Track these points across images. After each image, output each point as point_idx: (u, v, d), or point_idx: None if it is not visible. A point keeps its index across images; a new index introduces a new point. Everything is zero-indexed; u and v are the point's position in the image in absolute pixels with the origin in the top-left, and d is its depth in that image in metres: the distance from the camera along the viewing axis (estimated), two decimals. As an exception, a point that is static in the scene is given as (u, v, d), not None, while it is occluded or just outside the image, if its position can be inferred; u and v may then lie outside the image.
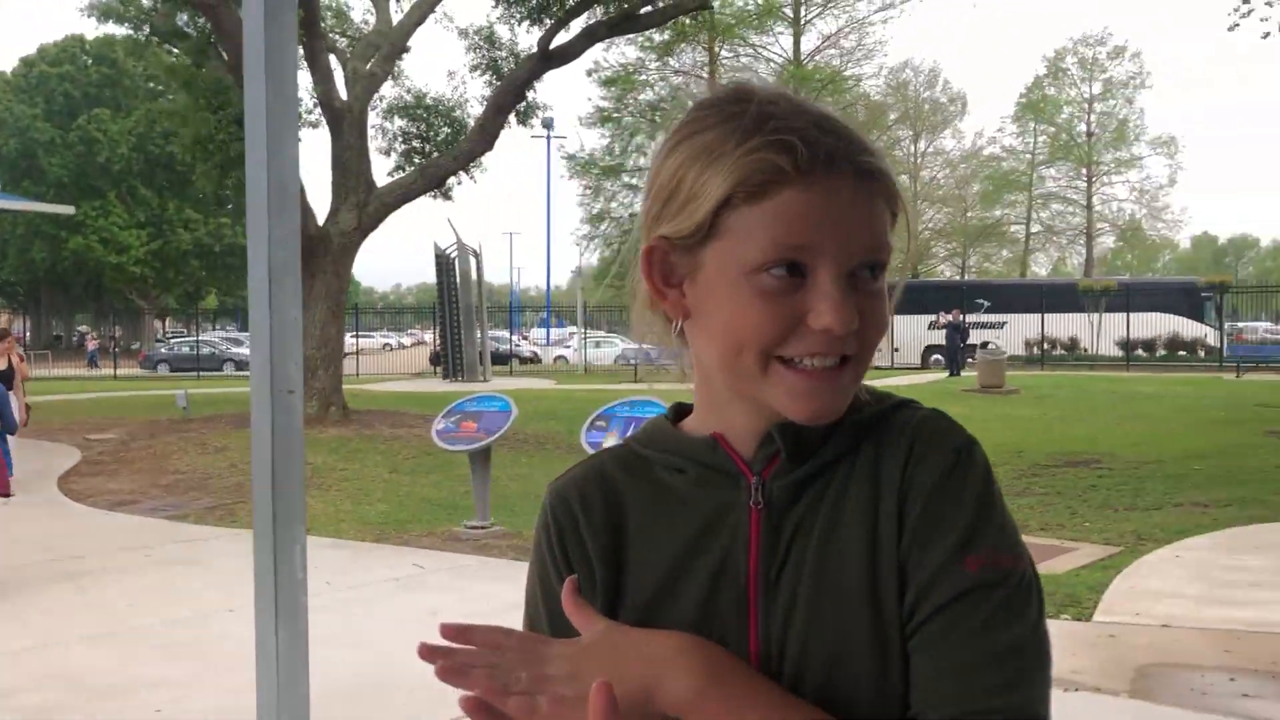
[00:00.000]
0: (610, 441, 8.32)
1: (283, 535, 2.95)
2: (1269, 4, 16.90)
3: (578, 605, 0.94)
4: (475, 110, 17.65)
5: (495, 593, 6.95)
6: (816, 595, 0.88)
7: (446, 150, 17.49)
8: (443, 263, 27.19)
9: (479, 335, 27.95)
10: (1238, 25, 17.87)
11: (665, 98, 31.57)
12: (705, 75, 32.51)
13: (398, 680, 4.90)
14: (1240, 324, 39.62)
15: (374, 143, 17.53)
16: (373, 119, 17.46)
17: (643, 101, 31.56)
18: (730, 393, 0.93)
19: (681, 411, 1.03)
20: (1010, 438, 15.74)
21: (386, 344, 57.15)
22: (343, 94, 16.43)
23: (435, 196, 17.49)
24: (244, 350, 47.38)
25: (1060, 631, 5.92)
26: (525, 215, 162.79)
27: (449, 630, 0.93)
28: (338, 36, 18.17)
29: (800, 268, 0.85)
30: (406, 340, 59.41)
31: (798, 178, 0.84)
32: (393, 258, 61.30)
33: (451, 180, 17.42)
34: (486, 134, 16.63)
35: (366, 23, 18.80)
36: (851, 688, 0.86)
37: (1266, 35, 17.48)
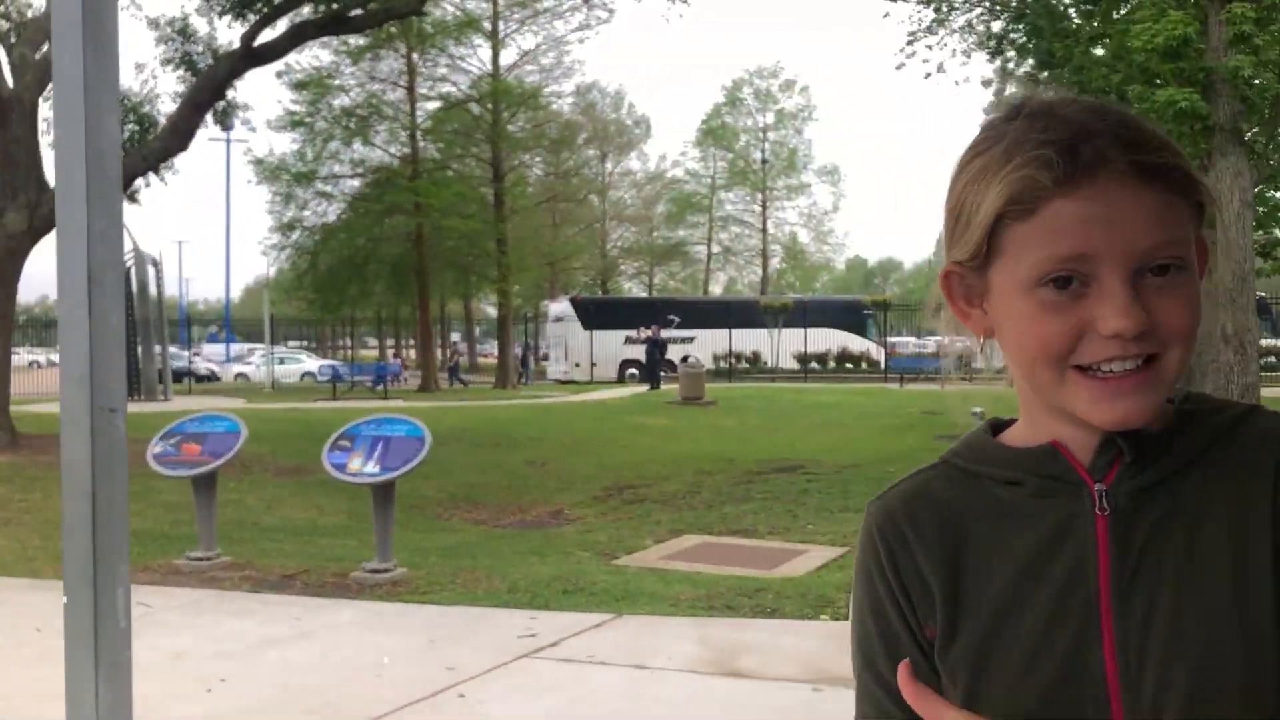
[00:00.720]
0: (357, 462, 7.90)
1: (104, 578, 2.53)
2: (929, 48, 18.65)
3: (920, 693, 0.88)
4: (167, 107, 16.29)
5: (242, 630, 6.37)
6: (1178, 608, 0.86)
7: (133, 149, 16.02)
8: (116, 272, 24.92)
9: (158, 351, 25.84)
10: (904, 65, 19.62)
11: (361, 103, 30.58)
12: (404, 84, 31.74)
13: (165, 735, 4.35)
14: (894, 339, 43.56)
15: (45, 138, 15.77)
16: (45, 111, 15.71)
17: (337, 107, 30.38)
18: (1047, 403, 0.92)
19: (997, 426, 1.01)
20: (721, 446, 16.40)
21: (34, 361, 51.74)
22: (10, 82, 14.70)
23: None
24: None
25: (826, 632, 6.17)
26: (197, 223, 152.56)
27: None
28: (1, 19, 16.22)
29: (1081, 276, 0.85)
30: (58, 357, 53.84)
31: (1060, 189, 0.84)
32: (46, 265, 55.48)
33: (139, 182, 15.98)
34: (180, 133, 15.39)
35: (32, 4, 16.91)
36: (1221, 705, 0.84)
37: (928, 75, 19.26)
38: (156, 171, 16.02)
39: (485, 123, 32.36)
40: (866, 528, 0.99)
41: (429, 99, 31.97)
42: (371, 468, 7.70)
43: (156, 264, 25.77)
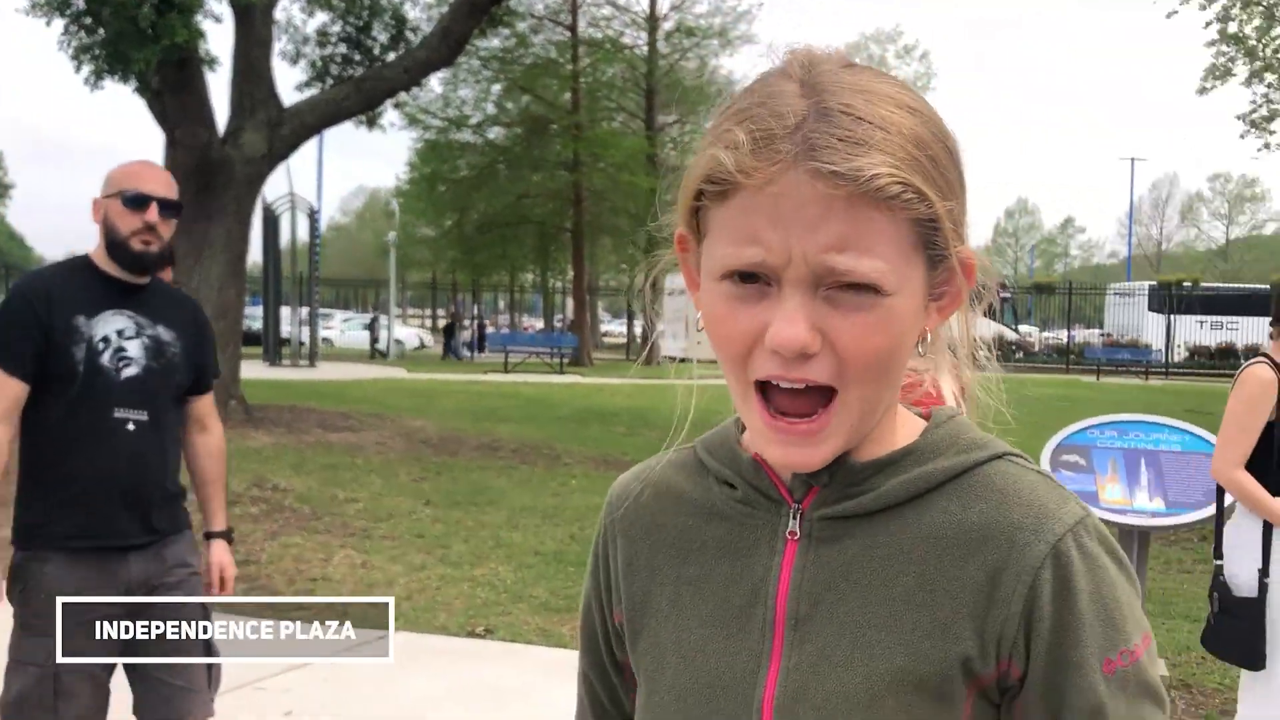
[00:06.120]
0: (1116, 490, 5.09)
1: None
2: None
3: None
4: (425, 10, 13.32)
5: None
6: (852, 650, 0.80)
7: (379, 59, 13.08)
8: (269, 220, 21.95)
9: (304, 313, 23.00)
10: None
11: (516, 44, 27.37)
12: (565, 23, 28.45)
13: None
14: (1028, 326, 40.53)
15: (277, 44, 12.87)
16: (277, 14, 12.76)
17: (490, 48, 27.11)
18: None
19: None
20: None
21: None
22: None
23: (359, 123, 13.08)
24: None
25: None
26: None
27: None
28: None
29: (765, 277, 0.75)
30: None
31: (744, 178, 0.73)
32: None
33: (388, 102, 13.09)
34: (450, 40, 12.45)
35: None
36: None
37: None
38: (409, 89, 13.11)
39: (639, 72, 29.13)
40: (606, 501, 0.97)
41: (589, 44, 28.50)
42: (1152, 503, 4.82)
43: (314, 213, 22.79)
